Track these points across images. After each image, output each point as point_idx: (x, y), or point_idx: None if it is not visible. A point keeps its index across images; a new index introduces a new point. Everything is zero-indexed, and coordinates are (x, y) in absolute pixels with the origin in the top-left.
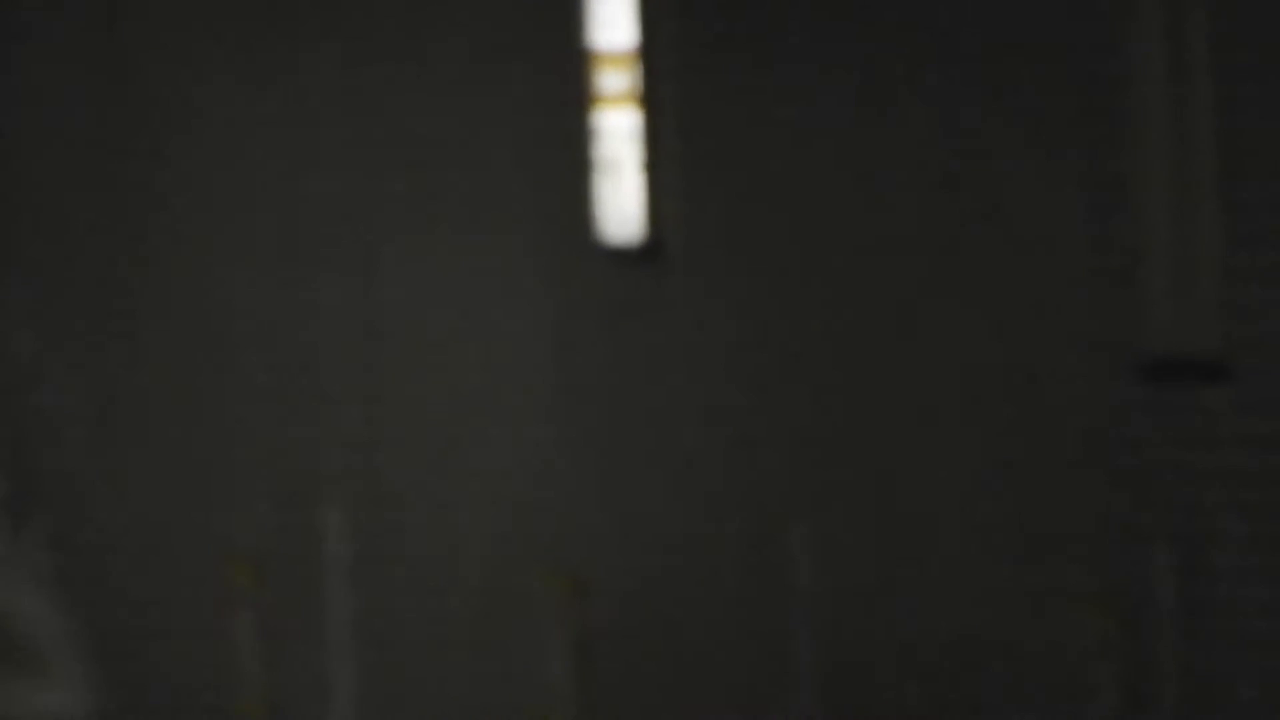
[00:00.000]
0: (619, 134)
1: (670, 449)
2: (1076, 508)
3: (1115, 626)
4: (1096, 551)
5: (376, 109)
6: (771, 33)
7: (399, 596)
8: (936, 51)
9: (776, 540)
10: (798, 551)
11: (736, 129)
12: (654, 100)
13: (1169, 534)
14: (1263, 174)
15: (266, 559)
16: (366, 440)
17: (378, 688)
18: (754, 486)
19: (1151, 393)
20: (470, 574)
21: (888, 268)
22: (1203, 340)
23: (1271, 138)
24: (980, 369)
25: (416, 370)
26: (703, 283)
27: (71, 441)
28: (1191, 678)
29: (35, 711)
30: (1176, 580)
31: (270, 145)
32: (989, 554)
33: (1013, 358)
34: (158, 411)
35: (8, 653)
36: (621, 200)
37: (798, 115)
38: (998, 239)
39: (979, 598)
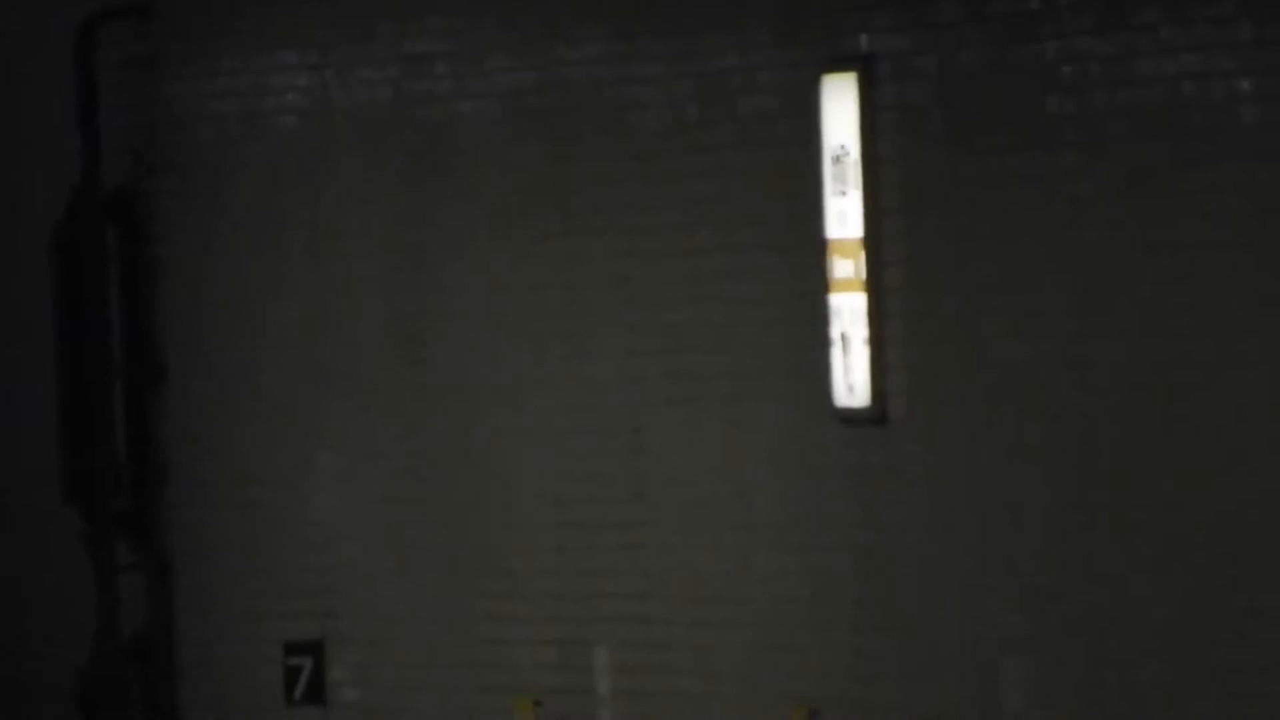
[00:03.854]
0: (849, 314)
1: (899, 592)
2: None
3: None
4: None
5: (645, 298)
6: (983, 226)
7: None
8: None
9: (992, 672)
10: (1011, 682)
11: (954, 309)
12: (878, 284)
13: None
14: None
15: (545, 694)
16: (635, 589)
17: None
18: (973, 628)
19: None
20: (723, 707)
21: (1099, 432)
22: None
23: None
24: (1204, 523)
25: (679, 526)
26: (925, 444)
27: (375, 590)
28: None
29: None
30: None
31: (552, 329)
32: (1192, 691)
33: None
34: (451, 562)
35: None
36: (851, 373)
37: (1010, 299)
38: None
39: None
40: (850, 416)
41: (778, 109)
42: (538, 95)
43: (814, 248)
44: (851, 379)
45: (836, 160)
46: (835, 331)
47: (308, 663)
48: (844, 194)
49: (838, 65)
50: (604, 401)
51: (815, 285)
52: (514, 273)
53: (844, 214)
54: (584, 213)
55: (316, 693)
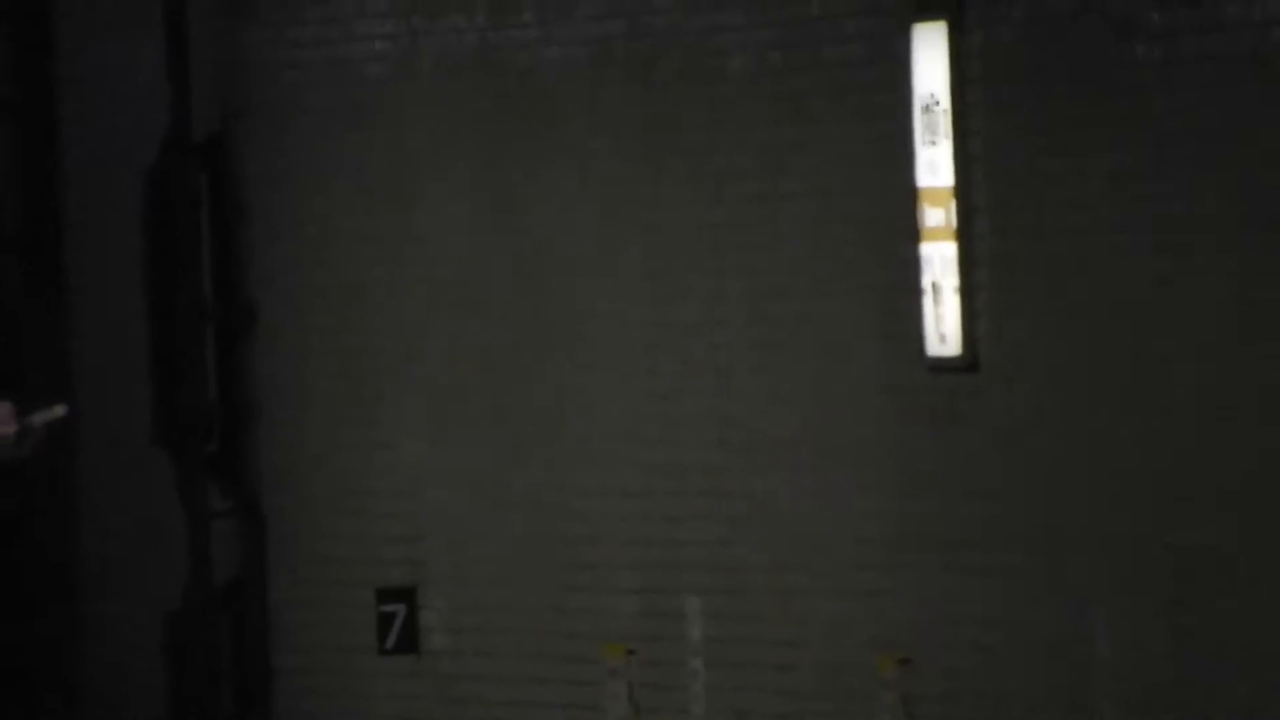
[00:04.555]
0: (940, 263)
1: (985, 539)
2: None
3: None
4: None
5: (731, 243)
6: (1070, 173)
7: (749, 673)
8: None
9: (1081, 617)
10: (1099, 629)
11: (1041, 257)
12: (968, 232)
13: None
14: None
15: (635, 640)
16: (722, 536)
17: None
18: (1061, 573)
19: None
20: (811, 653)
21: (1181, 375)
22: None
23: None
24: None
25: (766, 472)
26: (1013, 390)
27: (464, 537)
28: None
29: None
30: None
31: (635, 272)
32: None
33: None
34: (536, 509)
35: None
36: (943, 321)
37: (1097, 244)
38: None
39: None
40: (942, 365)
41: (863, 56)
42: (624, 42)
43: (900, 195)
44: (943, 328)
45: (927, 109)
46: (926, 280)
47: (400, 610)
48: (934, 143)
49: (928, 13)
50: (689, 346)
51: (902, 232)
52: (599, 218)
53: (934, 163)
54: (670, 159)
55: (409, 640)
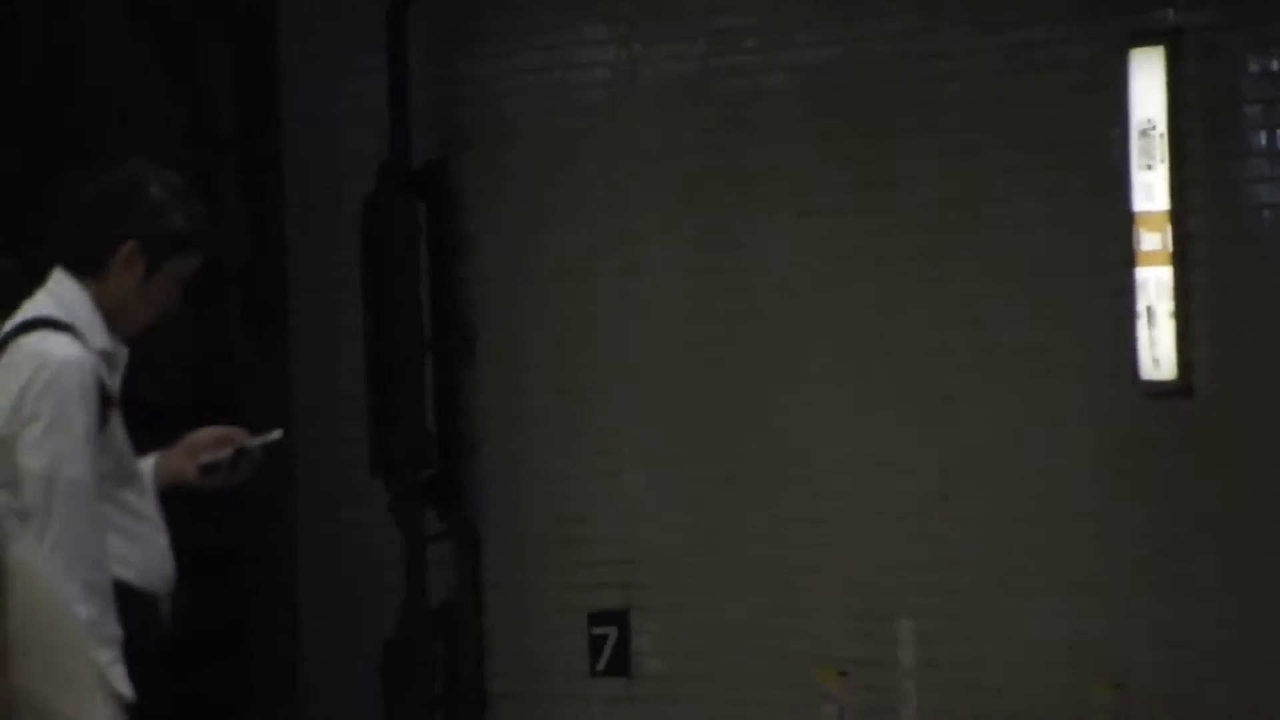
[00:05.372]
0: (1154, 287)
1: (1200, 565)
2: None
3: None
4: None
5: (951, 271)
6: None
7: (961, 696)
8: None
9: None
10: None
11: (1257, 283)
12: (1184, 258)
13: None
14: None
15: (847, 665)
16: (938, 561)
17: None
18: (1278, 600)
19: None
20: (1024, 677)
21: None
22: None
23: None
24: None
25: (981, 497)
26: (1231, 417)
27: (678, 561)
28: None
29: None
30: None
31: (856, 302)
32: None
33: None
34: (752, 534)
35: None
36: (1157, 346)
37: None
38: None
39: None
40: (1156, 390)
41: (1081, 82)
42: (843, 70)
43: (1117, 221)
44: (1157, 352)
45: (1143, 134)
46: (1141, 305)
47: (612, 633)
48: (1150, 168)
49: (1145, 39)
50: (906, 373)
51: (1119, 258)
52: (817, 247)
53: (1150, 187)
54: (889, 187)
55: (621, 663)
